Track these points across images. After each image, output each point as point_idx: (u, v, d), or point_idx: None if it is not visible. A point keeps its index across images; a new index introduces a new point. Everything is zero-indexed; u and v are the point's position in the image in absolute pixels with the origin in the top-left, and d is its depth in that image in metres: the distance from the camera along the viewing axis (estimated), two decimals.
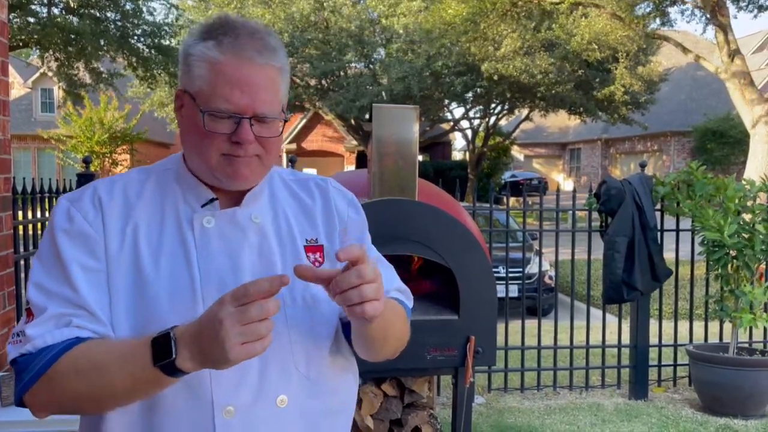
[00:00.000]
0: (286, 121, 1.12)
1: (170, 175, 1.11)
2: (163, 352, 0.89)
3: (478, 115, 23.51)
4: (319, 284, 0.96)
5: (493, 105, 21.96)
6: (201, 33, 1.05)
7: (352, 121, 21.08)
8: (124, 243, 1.04)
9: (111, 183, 1.09)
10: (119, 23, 15.49)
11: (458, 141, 33.79)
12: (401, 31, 18.07)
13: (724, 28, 11.62)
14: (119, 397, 0.97)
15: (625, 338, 4.92)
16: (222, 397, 1.02)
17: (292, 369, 1.06)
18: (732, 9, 11.66)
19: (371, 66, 19.76)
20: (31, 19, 14.19)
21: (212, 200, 1.09)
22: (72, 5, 14.51)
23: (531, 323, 4.99)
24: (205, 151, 1.04)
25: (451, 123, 24.62)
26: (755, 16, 24.58)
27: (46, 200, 3.63)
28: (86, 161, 4.42)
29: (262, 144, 1.05)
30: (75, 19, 14.80)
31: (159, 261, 1.04)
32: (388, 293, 1.12)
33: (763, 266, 4.47)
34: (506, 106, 22.05)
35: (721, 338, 5.00)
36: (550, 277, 7.86)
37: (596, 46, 15.31)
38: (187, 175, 1.10)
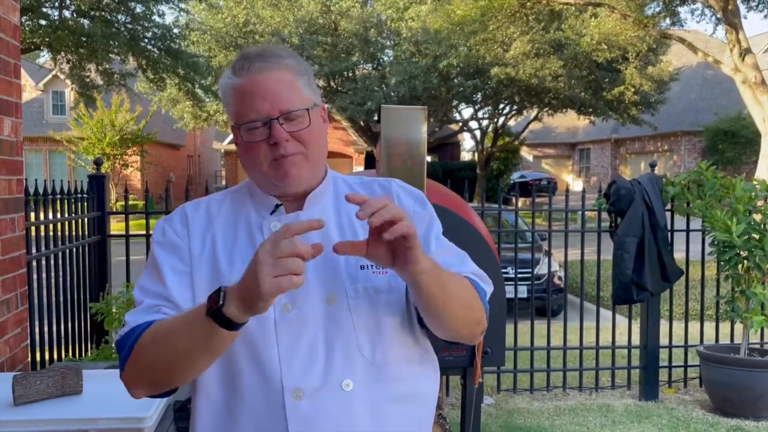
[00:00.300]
0: (323, 110, 1.24)
1: (244, 193, 1.26)
2: (214, 303, 0.98)
3: (486, 116, 23.48)
4: (358, 254, 1.04)
5: (501, 106, 21.93)
6: (226, 71, 1.22)
7: (361, 123, 21.11)
8: (204, 247, 1.20)
9: (196, 204, 1.27)
10: (130, 26, 15.58)
11: (467, 141, 33.79)
12: (409, 34, 18.07)
13: (735, 27, 11.55)
14: (184, 359, 1.05)
15: (635, 339, 4.90)
16: (291, 381, 1.10)
17: (357, 354, 1.13)
18: (742, 9, 11.58)
19: (379, 68, 19.79)
20: (43, 22, 14.30)
21: (278, 206, 1.21)
22: (83, 8, 14.61)
23: (540, 324, 4.98)
24: (256, 162, 1.18)
25: (460, 124, 24.58)
26: (765, 16, 24.45)
27: (58, 202, 3.66)
28: (97, 163, 4.45)
29: (298, 140, 1.16)
30: (86, 22, 14.91)
31: (233, 260, 1.18)
32: (462, 273, 1.19)
33: None
34: (515, 107, 22.01)
35: (732, 339, 4.97)
36: (560, 278, 7.84)
37: (606, 47, 15.25)
38: (255, 190, 1.25)
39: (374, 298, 1.15)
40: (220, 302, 0.97)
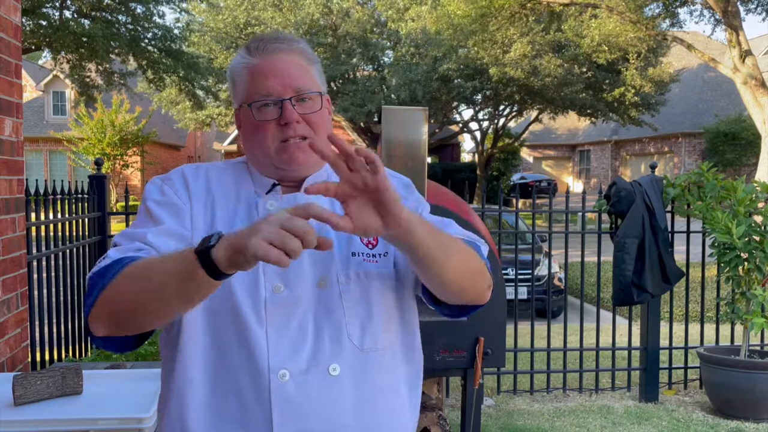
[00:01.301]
0: (327, 101, 1.22)
1: (243, 168, 1.24)
2: (205, 241, 0.94)
3: (486, 117, 23.49)
4: (330, 196, 0.98)
5: (502, 107, 21.94)
6: (239, 52, 1.21)
7: (362, 124, 21.11)
8: (205, 213, 1.17)
9: (196, 167, 1.23)
10: (130, 26, 15.59)
11: (467, 143, 33.77)
12: (408, 35, 18.09)
13: (735, 29, 11.55)
14: (155, 295, 1.00)
15: (636, 340, 4.90)
16: (277, 362, 1.09)
17: (346, 340, 1.12)
18: (741, 11, 11.55)
19: (379, 69, 19.81)
20: (44, 22, 14.31)
21: (275, 185, 1.19)
22: (84, 9, 14.62)
23: (540, 325, 4.98)
24: (263, 142, 1.16)
25: (460, 125, 24.60)
26: (764, 19, 24.45)
27: (58, 202, 3.66)
28: (98, 163, 4.45)
29: (309, 123, 1.16)
30: (87, 22, 14.92)
31: (233, 227, 1.14)
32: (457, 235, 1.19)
33: None
34: (515, 108, 22.02)
35: (732, 341, 4.97)
36: (560, 279, 7.84)
37: (606, 48, 15.26)
38: (254, 170, 1.22)
39: (365, 285, 1.14)
40: (212, 242, 0.94)
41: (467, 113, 44.84)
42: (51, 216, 3.52)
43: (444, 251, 1.08)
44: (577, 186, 32.16)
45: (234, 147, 25.39)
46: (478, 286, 1.19)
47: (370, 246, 1.18)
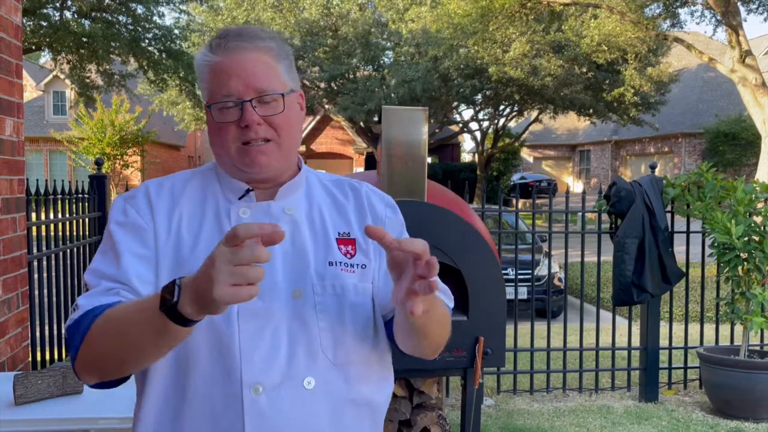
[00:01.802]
0: (298, 96, 1.18)
1: (212, 174, 1.20)
2: (168, 298, 0.92)
3: (486, 117, 23.49)
4: (384, 247, 0.98)
5: (502, 107, 21.94)
6: (202, 48, 1.17)
7: (362, 124, 21.12)
8: (170, 232, 1.13)
9: (160, 183, 1.19)
10: (131, 27, 15.60)
11: (467, 143, 33.78)
12: (408, 36, 18.09)
13: (735, 29, 11.55)
14: (135, 351, 1.00)
15: (635, 340, 4.90)
16: (251, 376, 1.06)
17: (320, 353, 1.10)
18: (742, 11, 11.57)
19: (379, 69, 19.81)
20: (44, 23, 14.31)
21: (248, 191, 1.15)
22: (84, 9, 14.62)
23: (540, 325, 4.99)
24: (225, 144, 1.13)
25: (460, 125, 24.60)
26: (765, 19, 24.45)
27: (59, 202, 3.66)
28: (98, 163, 4.46)
29: (271, 125, 1.12)
30: (87, 23, 14.92)
31: (197, 247, 1.11)
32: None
33: None
34: (515, 108, 22.02)
35: (732, 341, 4.97)
36: (560, 279, 7.84)
37: (606, 48, 15.26)
38: (222, 173, 1.19)
39: (341, 297, 1.12)
40: (175, 298, 0.91)
41: (467, 113, 44.83)
42: (51, 216, 3.53)
43: (432, 325, 1.09)
44: (577, 186, 32.17)
45: None
46: (439, 350, 1.19)
47: (349, 256, 1.15)
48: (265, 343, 1.07)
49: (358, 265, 1.15)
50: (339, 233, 1.17)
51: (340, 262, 1.14)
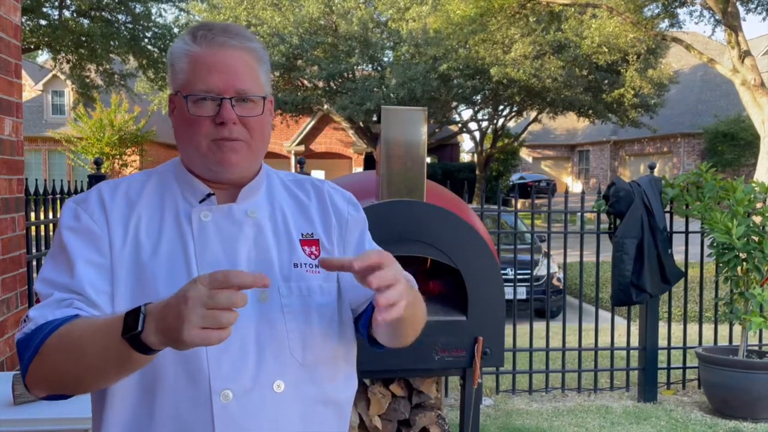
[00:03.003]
0: (269, 102, 1.17)
1: (170, 176, 1.17)
2: (132, 325, 0.89)
3: (486, 117, 23.49)
4: (345, 272, 0.99)
5: (501, 107, 21.94)
6: (182, 37, 1.13)
7: (361, 124, 21.11)
8: (126, 238, 1.09)
9: (114, 185, 1.15)
10: (130, 26, 15.59)
11: (466, 143, 33.76)
12: (408, 35, 18.09)
13: (735, 29, 11.56)
14: (93, 374, 0.97)
15: (634, 340, 4.90)
16: (219, 382, 1.04)
17: (288, 355, 1.08)
18: (741, 11, 11.55)
19: (379, 69, 19.80)
20: (43, 22, 14.30)
21: (209, 195, 1.12)
22: (83, 8, 14.61)
23: (539, 325, 4.99)
24: (195, 138, 1.10)
25: (459, 125, 24.60)
26: (764, 18, 24.46)
27: (58, 201, 3.66)
28: (97, 163, 4.45)
29: (246, 126, 1.10)
30: (86, 22, 14.91)
31: (158, 252, 1.08)
32: None
33: None
34: (515, 109, 22.02)
35: (730, 341, 4.98)
36: (559, 279, 7.84)
37: (606, 49, 15.26)
38: (184, 172, 1.15)
39: (307, 299, 1.11)
40: (139, 328, 0.87)
41: (466, 113, 44.83)
42: (50, 216, 3.52)
43: (411, 317, 1.09)
44: (576, 186, 32.18)
45: None
46: (418, 334, 1.18)
47: (313, 256, 1.15)
48: (233, 349, 1.05)
49: None
50: (302, 234, 1.16)
51: (305, 264, 1.13)
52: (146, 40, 15.93)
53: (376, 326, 1.12)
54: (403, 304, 0.96)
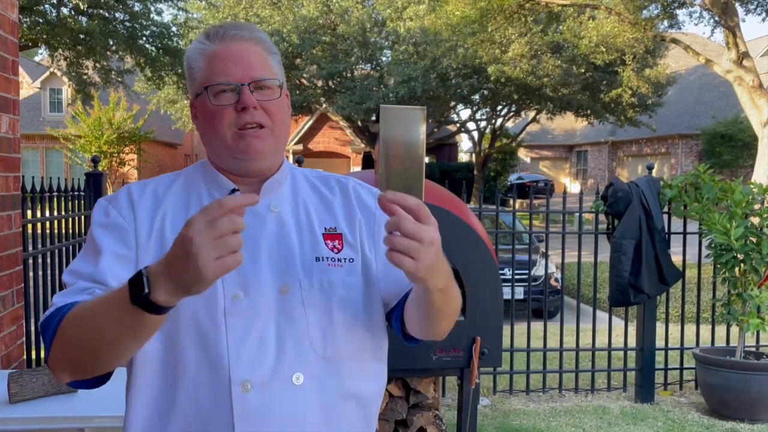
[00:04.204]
0: (287, 96, 1.19)
1: (197, 175, 1.20)
2: (138, 289, 0.90)
3: (484, 117, 23.50)
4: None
5: (499, 107, 21.95)
6: (196, 40, 1.18)
7: (359, 123, 21.10)
8: (152, 232, 1.13)
9: (143, 184, 1.19)
10: (128, 24, 15.56)
11: (464, 143, 33.78)
12: (407, 34, 18.08)
13: (733, 30, 11.57)
14: (109, 347, 0.99)
15: (632, 341, 4.91)
16: (239, 373, 1.05)
17: (308, 348, 1.09)
18: (740, 12, 11.58)
19: (378, 68, 19.79)
20: (40, 20, 14.26)
21: (233, 191, 1.14)
22: (81, 6, 14.58)
23: (537, 325, 4.99)
24: (219, 129, 1.13)
25: (458, 125, 24.61)
26: (763, 20, 24.46)
27: (55, 199, 3.65)
28: (94, 161, 4.44)
29: (266, 111, 1.13)
30: (84, 20, 14.88)
31: None
32: None
33: None
34: (513, 108, 22.02)
35: (728, 342, 4.98)
36: (557, 280, 7.84)
37: (604, 49, 15.27)
38: (211, 170, 1.19)
39: (329, 292, 1.11)
40: (146, 289, 0.89)
41: (465, 113, 44.84)
42: (47, 213, 3.51)
43: (447, 303, 1.10)
44: (574, 186, 32.21)
45: None
46: (452, 325, 1.18)
47: (336, 250, 1.15)
48: (253, 340, 1.07)
49: (345, 259, 1.15)
50: (325, 228, 1.17)
51: (327, 258, 1.13)
52: (144, 38, 15.90)
53: (408, 313, 1.12)
54: (421, 266, 0.95)
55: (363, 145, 23.67)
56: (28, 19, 13.87)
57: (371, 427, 1.19)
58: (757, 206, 4.61)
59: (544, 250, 6.69)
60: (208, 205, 0.88)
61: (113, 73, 16.19)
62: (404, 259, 0.94)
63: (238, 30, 1.15)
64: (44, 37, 14.15)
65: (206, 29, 1.18)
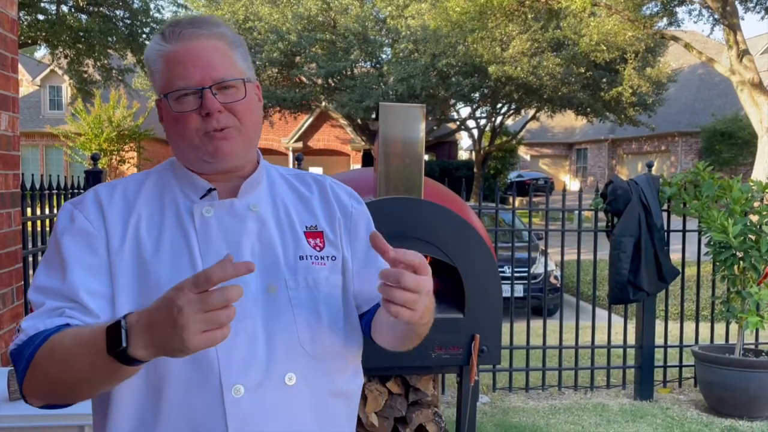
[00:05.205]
0: (253, 85, 1.14)
1: (168, 174, 1.16)
2: (115, 342, 0.87)
3: (484, 115, 23.48)
4: (384, 258, 0.97)
5: (499, 105, 21.93)
6: (153, 39, 1.13)
7: (359, 121, 21.09)
8: (125, 237, 1.07)
9: (111, 186, 1.14)
10: (128, 21, 15.54)
11: (464, 140, 33.75)
12: (407, 32, 18.06)
13: (733, 28, 11.56)
14: (84, 385, 0.97)
15: (631, 339, 4.91)
16: (230, 377, 1.03)
17: (298, 347, 1.08)
18: (740, 10, 11.55)
19: (377, 66, 19.77)
20: (41, 17, 14.25)
21: (210, 191, 1.12)
22: (81, 3, 14.56)
23: (536, 323, 5.00)
24: (185, 135, 1.08)
25: (458, 122, 24.59)
26: (763, 17, 24.42)
27: (54, 197, 3.65)
28: (94, 158, 4.44)
29: (232, 112, 1.08)
30: (84, 17, 14.86)
31: (160, 249, 1.07)
32: None
33: None
34: (513, 106, 22.01)
35: (727, 339, 4.98)
36: (556, 277, 7.85)
37: (605, 47, 15.25)
38: (182, 169, 1.14)
39: (314, 290, 1.10)
40: (123, 343, 0.85)
41: (464, 111, 44.85)
42: (47, 211, 3.51)
43: (425, 328, 1.09)
44: (573, 184, 32.21)
45: None
46: (417, 345, 1.18)
47: (318, 248, 1.14)
48: (242, 343, 1.04)
49: (328, 257, 1.14)
50: (306, 226, 1.16)
51: (311, 256, 1.12)
52: (144, 36, 15.88)
53: (379, 326, 1.12)
54: (417, 315, 0.97)
55: (363, 143, 23.66)
56: (28, 17, 13.85)
57: (353, 424, 1.20)
58: (756, 204, 4.61)
59: (543, 248, 6.69)
60: (198, 274, 0.84)
61: (113, 71, 16.17)
62: (403, 311, 0.95)
63: (195, 27, 1.08)
64: (44, 35, 14.14)
65: (162, 27, 1.12)
